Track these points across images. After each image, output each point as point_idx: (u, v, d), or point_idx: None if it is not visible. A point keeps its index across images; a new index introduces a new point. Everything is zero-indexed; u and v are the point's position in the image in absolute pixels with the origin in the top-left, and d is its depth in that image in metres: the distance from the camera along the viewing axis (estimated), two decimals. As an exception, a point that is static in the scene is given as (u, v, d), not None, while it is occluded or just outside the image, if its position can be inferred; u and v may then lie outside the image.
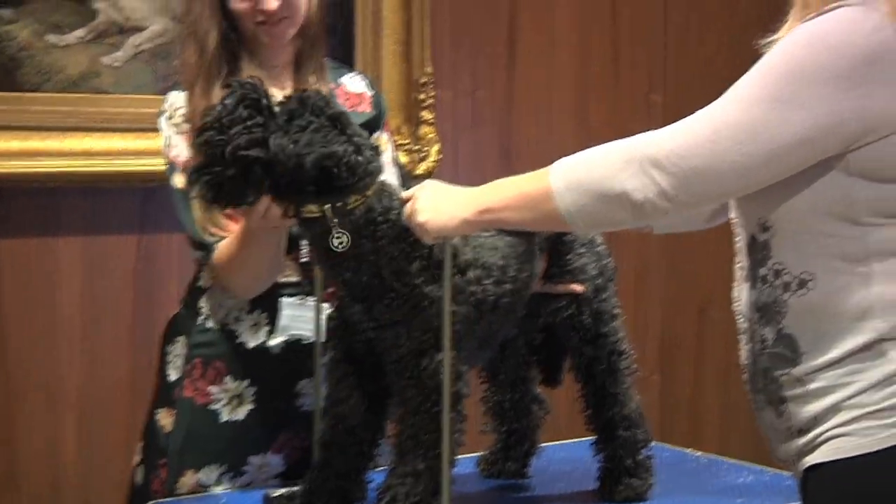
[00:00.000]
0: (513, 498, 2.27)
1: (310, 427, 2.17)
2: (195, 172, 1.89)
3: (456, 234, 1.89)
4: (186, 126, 2.20)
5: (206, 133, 1.86)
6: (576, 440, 2.46)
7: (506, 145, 3.46)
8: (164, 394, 2.31)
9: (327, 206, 1.90)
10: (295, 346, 2.26)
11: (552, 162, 1.74)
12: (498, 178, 1.84)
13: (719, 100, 1.65)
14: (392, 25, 3.21)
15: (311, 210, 1.91)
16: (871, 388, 1.65)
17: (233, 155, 1.84)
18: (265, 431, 2.27)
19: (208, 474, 2.24)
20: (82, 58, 2.87)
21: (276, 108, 1.88)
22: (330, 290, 2.13)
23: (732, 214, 1.82)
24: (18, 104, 2.82)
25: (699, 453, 2.55)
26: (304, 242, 2.20)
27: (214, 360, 2.25)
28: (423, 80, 3.25)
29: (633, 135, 1.69)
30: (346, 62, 3.00)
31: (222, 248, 2.17)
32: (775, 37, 1.71)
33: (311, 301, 2.21)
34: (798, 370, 1.70)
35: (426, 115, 3.27)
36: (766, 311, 1.73)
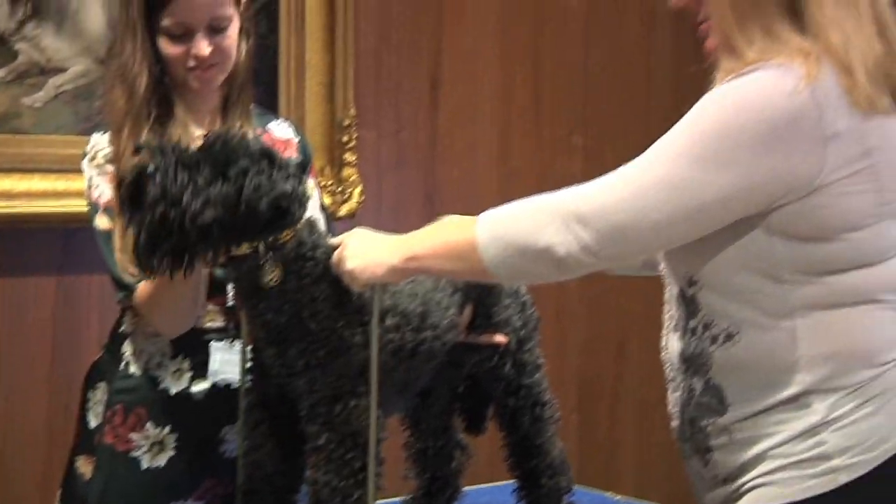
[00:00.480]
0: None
1: (234, 473, 2.14)
2: (148, 250, 1.84)
3: (384, 281, 1.88)
4: (109, 167, 2.18)
5: (156, 209, 1.80)
6: (498, 484, 2.46)
7: (429, 186, 3.46)
8: (85, 441, 2.27)
9: (260, 243, 1.88)
10: (219, 392, 2.23)
11: (475, 203, 1.75)
12: (421, 219, 1.85)
13: (643, 155, 1.67)
14: (315, 66, 3.20)
15: (243, 248, 1.89)
16: (795, 439, 1.68)
17: (192, 222, 1.80)
18: (187, 478, 2.24)
19: (129, 522, 2.21)
20: (3, 98, 2.82)
21: (202, 156, 1.84)
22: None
23: (661, 266, 1.84)
24: (-62, 145, 2.77)
25: (618, 497, 2.57)
26: (230, 287, 2.18)
27: (136, 406, 2.22)
28: (347, 121, 3.24)
29: (554, 175, 1.71)
30: (270, 103, 2.99)
31: (143, 288, 2.15)
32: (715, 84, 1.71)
33: (240, 344, 2.20)
34: (724, 420, 1.72)
35: (349, 156, 3.26)
36: (693, 362, 1.75)
